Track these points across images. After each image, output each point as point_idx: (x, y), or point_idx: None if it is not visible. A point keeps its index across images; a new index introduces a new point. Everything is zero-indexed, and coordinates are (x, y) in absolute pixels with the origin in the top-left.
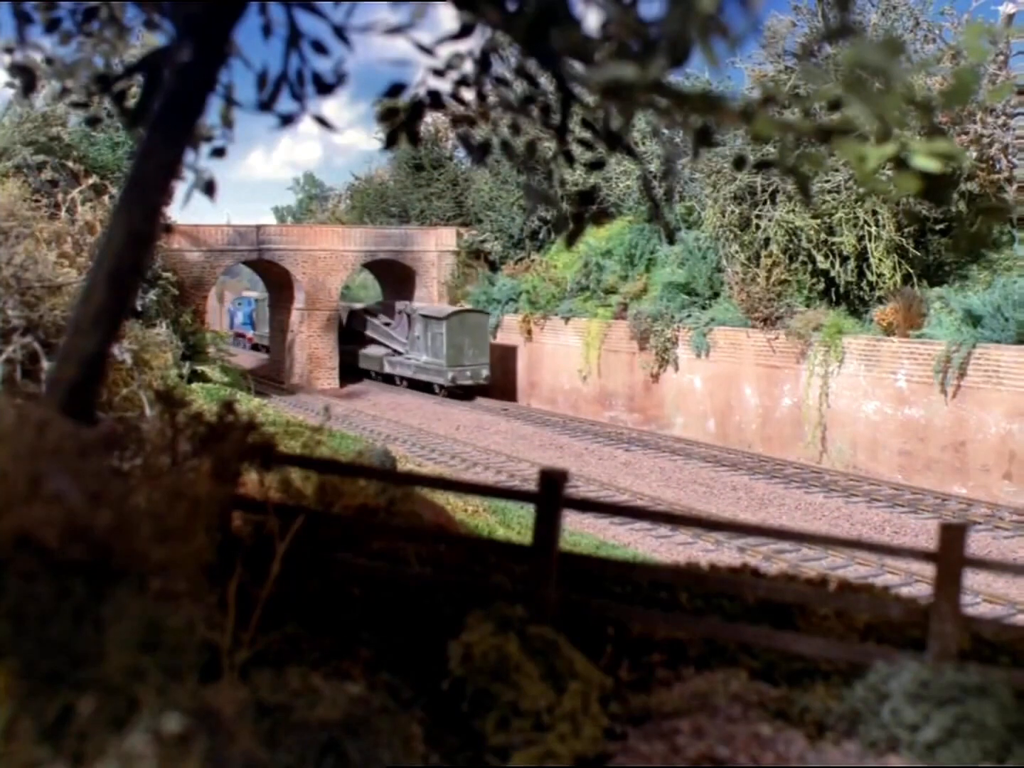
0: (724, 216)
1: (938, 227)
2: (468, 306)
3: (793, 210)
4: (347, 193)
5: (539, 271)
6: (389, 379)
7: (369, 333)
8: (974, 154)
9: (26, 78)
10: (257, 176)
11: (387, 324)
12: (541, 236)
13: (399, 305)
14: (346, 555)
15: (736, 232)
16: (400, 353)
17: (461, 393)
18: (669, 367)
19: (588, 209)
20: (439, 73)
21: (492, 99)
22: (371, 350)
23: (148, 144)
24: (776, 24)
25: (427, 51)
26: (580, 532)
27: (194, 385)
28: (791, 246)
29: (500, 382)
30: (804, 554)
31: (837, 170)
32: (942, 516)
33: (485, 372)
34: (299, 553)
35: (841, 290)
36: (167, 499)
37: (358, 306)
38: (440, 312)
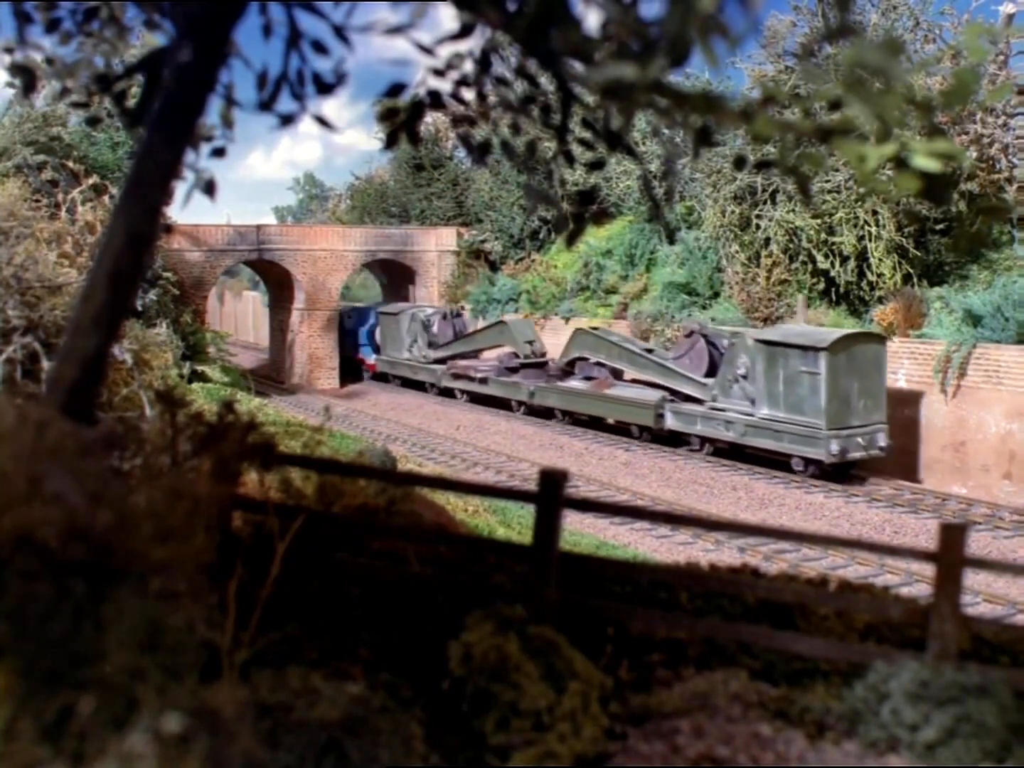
0: (724, 216)
1: (938, 227)
2: (852, 329)
3: (793, 210)
4: (347, 193)
5: (539, 271)
6: (670, 440)
7: (614, 363)
8: (974, 154)
9: (26, 78)
10: (257, 176)
11: (648, 351)
12: (541, 236)
13: (688, 322)
14: (346, 555)
15: (736, 232)
16: (697, 400)
17: (832, 472)
18: None
19: (588, 209)
20: (439, 73)
21: (492, 99)
22: (625, 392)
23: (148, 144)
24: (776, 24)
25: (427, 51)
26: (580, 532)
27: (194, 385)
28: (791, 246)
29: None
30: (804, 554)
31: (837, 170)
32: (942, 516)
33: (883, 438)
34: (299, 553)
35: (841, 290)
36: (167, 499)
37: (596, 329)
38: (810, 338)
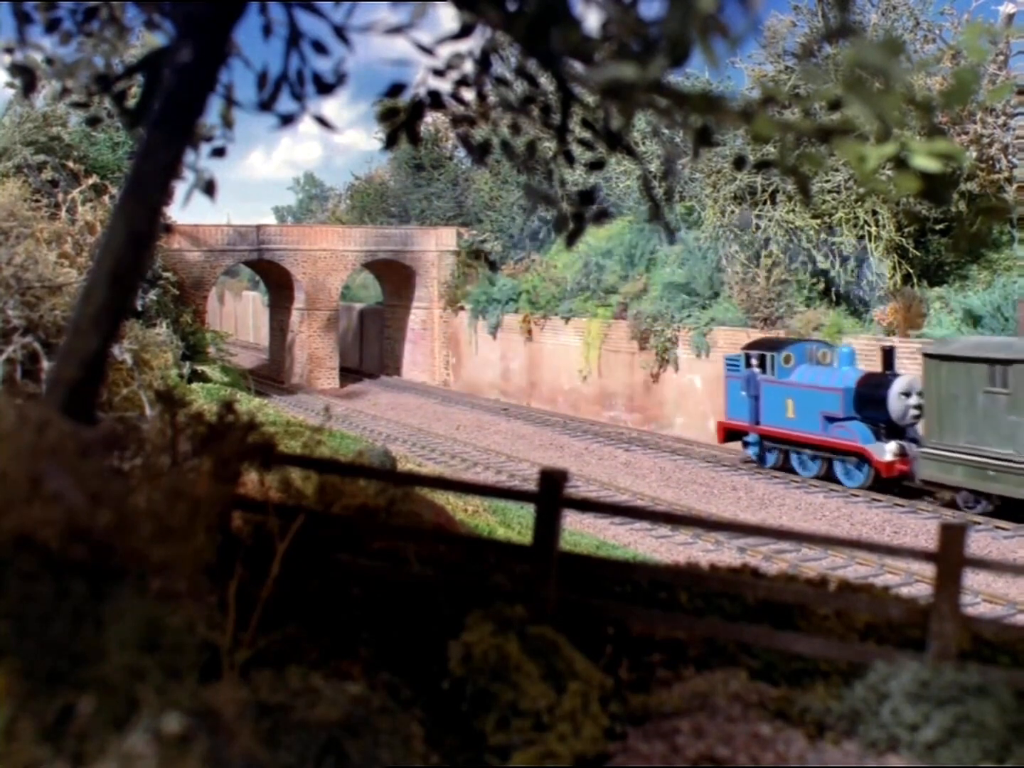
0: (724, 216)
1: (938, 227)
2: None
3: (793, 210)
4: (347, 193)
5: (539, 271)
6: None
7: None
8: (974, 154)
9: (26, 78)
10: (257, 176)
11: None
12: (541, 236)
13: None
14: (346, 555)
15: (736, 232)
16: None
17: None
18: (669, 367)
19: (588, 209)
20: (439, 73)
21: (492, 99)
22: None
23: (148, 144)
24: (776, 24)
25: (427, 51)
26: (580, 532)
27: (194, 385)
28: (791, 246)
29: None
30: (804, 554)
31: (837, 170)
32: (942, 516)
33: None
34: (299, 553)
35: (841, 290)
36: (167, 499)
37: None
38: None
